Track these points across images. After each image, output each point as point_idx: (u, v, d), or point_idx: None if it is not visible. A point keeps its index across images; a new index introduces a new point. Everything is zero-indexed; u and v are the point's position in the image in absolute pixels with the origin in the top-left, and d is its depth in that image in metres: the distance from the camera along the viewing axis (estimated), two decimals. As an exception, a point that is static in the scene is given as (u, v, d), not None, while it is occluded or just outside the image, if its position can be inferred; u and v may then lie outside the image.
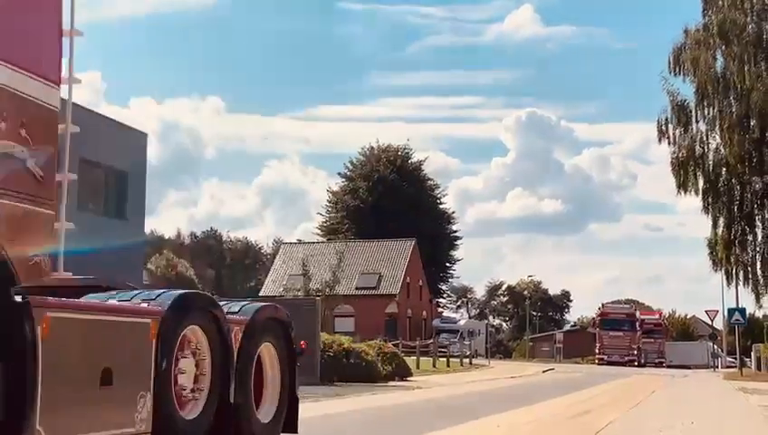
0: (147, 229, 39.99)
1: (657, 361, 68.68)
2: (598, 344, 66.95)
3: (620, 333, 65.51)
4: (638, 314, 69.42)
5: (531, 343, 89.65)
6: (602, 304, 69.71)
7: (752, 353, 56.49)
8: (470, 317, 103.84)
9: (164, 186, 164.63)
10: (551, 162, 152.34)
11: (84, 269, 25.00)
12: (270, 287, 70.18)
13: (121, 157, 26.58)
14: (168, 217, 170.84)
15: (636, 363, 63.11)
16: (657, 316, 74.81)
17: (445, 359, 46.22)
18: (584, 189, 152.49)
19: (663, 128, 39.01)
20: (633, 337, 66.23)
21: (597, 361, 65.70)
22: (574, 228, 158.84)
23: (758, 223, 38.37)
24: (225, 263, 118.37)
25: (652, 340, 70.01)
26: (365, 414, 17.33)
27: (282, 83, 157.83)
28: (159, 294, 7.81)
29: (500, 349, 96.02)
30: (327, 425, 15.19)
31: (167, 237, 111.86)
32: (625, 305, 71.32)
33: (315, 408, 18.26)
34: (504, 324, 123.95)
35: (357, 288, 68.78)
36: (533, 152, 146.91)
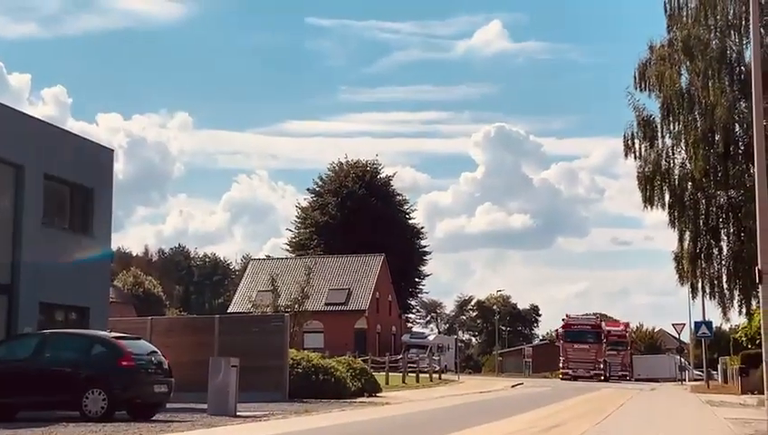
0: (114, 246, 39.55)
1: (620, 373, 65.98)
2: (562, 358, 62.36)
3: (586, 346, 60.91)
4: (603, 325, 65.22)
5: (500, 358, 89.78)
6: (566, 315, 64.36)
7: (718, 366, 56.93)
8: (439, 332, 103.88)
9: (132, 202, 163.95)
10: (519, 177, 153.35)
11: (50, 286, 24.72)
12: (238, 304, 69.68)
13: (87, 173, 26.30)
14: (136, 233, 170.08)
15: (602, 378, 59.38)
16: (621, 328, 72.02)
17: (414, 374, 46.12)
18: (553, 204, 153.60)
19: (629, 143, 39.27)
20: (599, 350, 61.61)
21: (561, 375, 61.85)
22: (543, 243, 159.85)
23: (723, 237, 38.67)
24: (193, 279, 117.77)
25: (615, 352, 66.90)
26: (334, 431, 17.23)
27: (250, 99, 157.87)
28: None
29: (469, 364, 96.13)
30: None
31: (134, 254, 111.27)
32: (590, 316, 65.58)
33: (283, 425, 18.14)
34: (474, 339, 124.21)
35: (326, 304, 68.53)
36: (502, 167, 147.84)
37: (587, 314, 64.93)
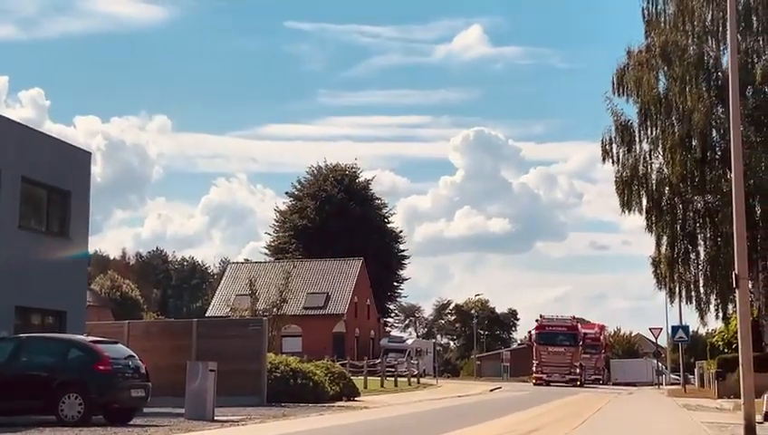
0: (91, 249, 39.34)
1: (593, 377, 63.73)
2: (535, 362, 57.30)
3: (561, 349, 56.15)
4: (579, 327, 59.90)
5: (478, 362, 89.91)
6: (540, 316, 59.09)
7: (695, 370, 57.26)
8: (418, 336, 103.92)
9: (110, 205, 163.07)
10: (498, 181, 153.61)
11: (26, 289, 24.51)
12: (217, 307, 69.51)
13: (64, 176, 26.13)
14: (114, 236, 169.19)
15: (578, 383, 55.11)
16: (595, 330, 69.15)
17: (393, 378, 46.12)
18: (531, 208, 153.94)
19: (607, 147, 39.42)
20: (575, 353, 56.73)
21: (534, 380, 57.10)
22: (522, 247, 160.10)
23: (700, 241, 38.87)
24: (171, 283, 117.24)
25: (589, 355, 63.91)
26: (312, 435, 17.18)
27: (230, 102, 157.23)
28: None
29: (448, 368, 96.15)
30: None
31: (112, 257, 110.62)
32: (565, 317, 59.33)
33: (261, 430, 18.09)
34: (452, 343, 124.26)
35: (304, 308, 68.44)
36: (481, 171, 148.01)
37: (562, 316, 59.22)
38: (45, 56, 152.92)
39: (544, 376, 55.90)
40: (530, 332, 61.32)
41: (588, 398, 36.90)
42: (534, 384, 54.97)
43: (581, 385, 54.68)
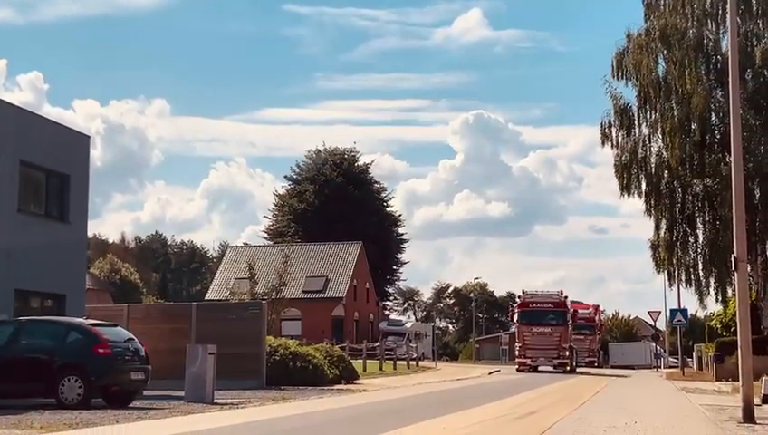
0: (90, 233, 39.42)
1: (587, 360, 60.98)
2: (518, 344, 49.55)
3: (547, 329, 47.87)
4: (569, 304, 51.07)
5: (477, 345, 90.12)
6: (522, 292, 51.10)
7: (693, 353, 57.41)
8: (417, 320, 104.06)
9: (109, 189, 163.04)
10: (498, 165, 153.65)
11: (25, 273, 24.51)
12: (216, 291, 69.63)
13: (63, 159, 26.10)
14: (114, 220, 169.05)
15: (568, 368, 48.18)
16: (590, 310, 66.48)
17: (391, 362, 46.25)
18: (531, 192, 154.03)
19: (606, 131, 39.39)
20: (564, 334, 48.36)
21: (517, 365, 49.24)
22: (521, 231, 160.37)
23: (699, 225, 38.90)
24: (170, 267, 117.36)
25: (583, 336, 61.23)
26: (311, 418, 17.25)
27: (228, 86, 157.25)
28: None
29: (446, 351, 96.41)
30: (273, 429, 15.08)
31: (111, 241, 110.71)
32: (551, 292, 50.97)
33: (260, 412, 18.14)
34: (451, 327, 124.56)
35: (303, 291, 68.54)
36: (481, 155, 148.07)
37: (548, 291, 51.48)
38: (44, 40, 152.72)
39: (528, 361, 48.09)
40: (511, 310, 54.10)
41: (585, 381, 37.02)
42: (518, 370, 47.79)
43: (572, 371, 48.64)
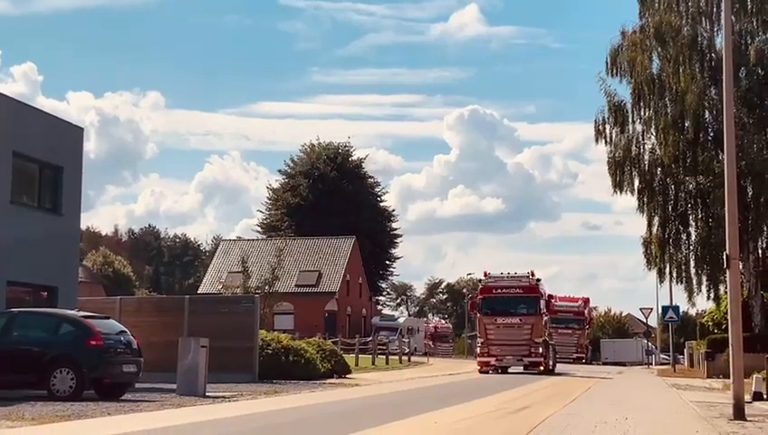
0: (83, 225, 39.31)
1: (575, 356, 58.19)
2: (480, 339, 39.26)
3: (516, 320, 38.21)
4: (543, 288, 40.06)
5: (469, 341, 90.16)
6: (485, 274, 40.30)
7: (684, 350, 57.57)
8: (409, 315, 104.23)
9: (103, 181, 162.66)
10: (492, 161, 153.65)
11: (17, 265, 24.46)
12: (209, 284, 69.53)
13: (57, 151, 26.04)
14: (107, 212, 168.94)
15: (542, 368, 37.98)
16: (579, 303, 63.07)
17: (384, 356, 46.30)
18: (525, 188, 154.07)
19: (600, 128, 39.46)
20: (537, 325, 38.21)
21: (478, 367, 38.81)
22: (514, 227, 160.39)
23: (692, 222, 39.00)
24: (163, 260, 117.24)
25: (570, 331, 58.31)
26: (303, 412, 17.27)
27: (223, 79, 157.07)
28: None
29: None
30: (265, 422, 15.10)
31: (104, 234, 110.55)
32: (520, 274, 39.56)
33: (252, 406, 18.15)
34: (443, 322, 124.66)
35: (296, 286, 68.49)
36: (476, 151, 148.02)
37: (515, 273, 39.80)
38: (38, 31, 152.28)
39: (493, 360, 38.28)
40: (471, 298, 43.84)
41: (577, 377, 36.91)
42: (480, 372, 38.17)
43: (548, 371, 38.75)
